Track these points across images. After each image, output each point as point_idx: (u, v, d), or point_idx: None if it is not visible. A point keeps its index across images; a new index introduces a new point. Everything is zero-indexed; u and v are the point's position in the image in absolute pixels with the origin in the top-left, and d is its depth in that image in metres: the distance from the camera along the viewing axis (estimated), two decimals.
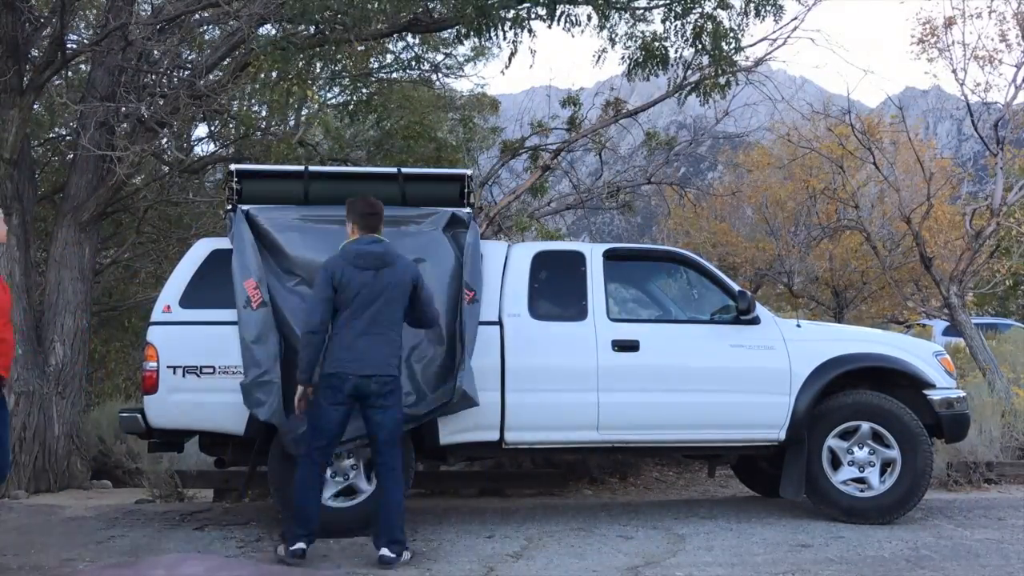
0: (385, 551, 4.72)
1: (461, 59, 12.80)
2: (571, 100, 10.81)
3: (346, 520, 5.33)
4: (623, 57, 9.80)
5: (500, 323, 5.72)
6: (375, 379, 4.76)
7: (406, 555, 4.82)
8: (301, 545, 4.76)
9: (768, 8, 9.57)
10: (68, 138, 11.11)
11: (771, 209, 16.24)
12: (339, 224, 5.23)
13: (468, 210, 5.82)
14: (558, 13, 8.65)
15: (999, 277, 14.32)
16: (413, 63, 11.48)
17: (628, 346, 5.75)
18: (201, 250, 5.78)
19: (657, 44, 9.41)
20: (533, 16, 8.78)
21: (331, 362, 4.81)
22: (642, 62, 9.55)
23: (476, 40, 9.85)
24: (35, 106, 9.02)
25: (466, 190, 5.88)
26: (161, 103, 7.98)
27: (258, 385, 5.14)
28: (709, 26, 9.21)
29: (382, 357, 4.80)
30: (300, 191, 5.73)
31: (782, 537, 5.47)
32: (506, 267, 5.94)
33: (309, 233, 5.57)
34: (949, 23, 10.19)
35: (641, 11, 9.69)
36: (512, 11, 8.44)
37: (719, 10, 9.28)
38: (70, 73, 10.42)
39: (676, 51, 9.73)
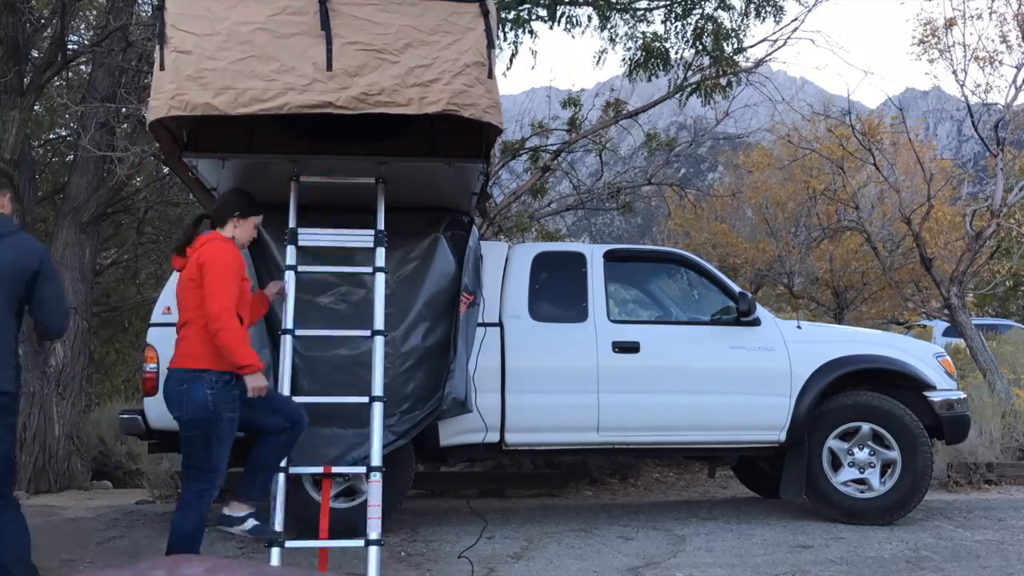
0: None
1: None
2: (571, 101, 10.81)
3: (347, 521, 5.32)
4: (624, 58, 9.83)
5: (500, 324, 5.72)
6: None
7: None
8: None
9: (768, 9, 9.61)
10: (68, 139, 11.12)
11: (771, 210, 16.21)
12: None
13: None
14: (559, 14, 8.68)
15: (999, 278, 14.35)
16: None
17: (628, 347, 5.75)
18: None
19: (658, 44, 9.43)
20: (534, 17, 8.80)
21: None
22: (643, 62, 9.57)
23: None
24: (35, 107, 9.02)
25: None
26: None
27: None
28: (710, 27, 9.25)
29: None
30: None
31: (782, 538, 5.47)
32: (506, 268, 5.94)
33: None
34: (950, 24, 10.20)
35: (642, 12, 9.73)
36: (513, 12, 8.45)
37: (720, 11, 9.31)
38: (70, 74, 10.42)
39: (677, 52, 9.77)
